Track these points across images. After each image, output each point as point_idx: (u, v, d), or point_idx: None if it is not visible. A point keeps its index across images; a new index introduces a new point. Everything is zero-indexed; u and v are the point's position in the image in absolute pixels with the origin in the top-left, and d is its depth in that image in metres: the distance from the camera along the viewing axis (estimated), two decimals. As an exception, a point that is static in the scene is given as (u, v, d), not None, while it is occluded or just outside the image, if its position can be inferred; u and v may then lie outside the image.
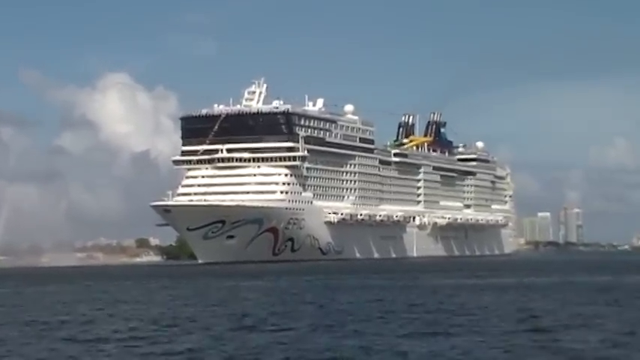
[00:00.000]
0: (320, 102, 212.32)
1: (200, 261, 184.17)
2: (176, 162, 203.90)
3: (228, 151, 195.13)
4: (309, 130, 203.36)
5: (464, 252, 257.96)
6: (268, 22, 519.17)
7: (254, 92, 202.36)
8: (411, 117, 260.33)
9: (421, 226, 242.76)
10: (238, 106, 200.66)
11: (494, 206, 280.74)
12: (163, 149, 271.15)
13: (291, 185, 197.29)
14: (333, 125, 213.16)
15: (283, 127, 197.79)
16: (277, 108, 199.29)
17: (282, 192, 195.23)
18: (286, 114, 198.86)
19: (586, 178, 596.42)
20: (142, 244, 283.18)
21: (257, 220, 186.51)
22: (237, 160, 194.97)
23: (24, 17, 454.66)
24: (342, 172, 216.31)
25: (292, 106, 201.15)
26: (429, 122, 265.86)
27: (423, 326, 44.97)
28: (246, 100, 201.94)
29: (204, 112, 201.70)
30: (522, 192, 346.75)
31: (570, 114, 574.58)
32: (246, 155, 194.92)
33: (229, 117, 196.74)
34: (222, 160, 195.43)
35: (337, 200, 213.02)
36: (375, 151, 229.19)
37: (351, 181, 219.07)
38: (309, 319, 49.40)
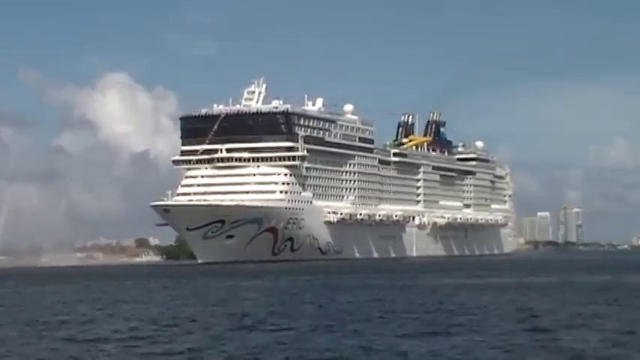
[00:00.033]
0: (319, 102, 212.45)
1: (200, 261, 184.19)
2: (176, 162, 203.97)
3: (228, 150, 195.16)
4: (309, 130, 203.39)
5: (463, 252, 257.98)
6: (268, 21, 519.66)
7: (253, 92, 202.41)
8: (410, 117, 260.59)
9: (421, 226, 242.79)
10: (238, 106, 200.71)
11: (493, 206, 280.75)
12: (163, 149, 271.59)
13: (290, 185, 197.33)
14: (333, 125, 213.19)
15: (283, 126, 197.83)
16: (277, 108, 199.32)
17: (281, 192, 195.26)
18: (286, 114, 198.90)
19: (586, 177, 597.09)
20: (142, 244, 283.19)
21: (256, 219, 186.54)
22: (236, 159, 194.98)
23: (23, 17, 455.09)
24: (342, 172, 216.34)
25: (292, 105, 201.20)
26: (428, 122, 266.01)
27: (423, 326, 44.99)
28: (246, 99, 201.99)
29: (203, 112, 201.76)
30: (522, 192, 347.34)
31: (570, 114, 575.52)
32: (245, 155, 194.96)
33: (229, 117, 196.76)
34: (222, 159, 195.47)
35: (337, 200, 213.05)
36: (375, 151, 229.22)
37: (350, 180, 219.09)
38: (308, 319, 49.41)
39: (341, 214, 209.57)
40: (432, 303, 60.40)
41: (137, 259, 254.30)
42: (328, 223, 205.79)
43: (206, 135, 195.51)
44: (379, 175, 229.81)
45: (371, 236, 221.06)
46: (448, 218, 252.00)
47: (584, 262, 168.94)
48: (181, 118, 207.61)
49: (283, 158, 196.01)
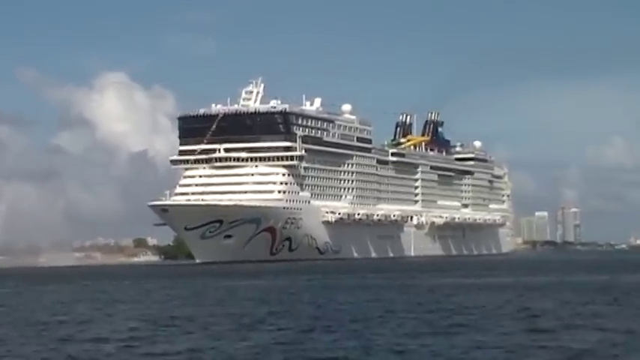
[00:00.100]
0: (317, 101, 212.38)
1: (198, 261, 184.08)
2: (174, 161, 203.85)
3: (226, 150, 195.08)
4: (307, 130, 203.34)
5: (461, 251, 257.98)
6: (265, 21, 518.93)
7: (251, 92, 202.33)
8: (408, 116, 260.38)
9: (419, 226, 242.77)
10: (236, 106, 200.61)
11: (491, 205, 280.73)
12: (161, 149, 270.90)
13: (288, 185, 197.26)
14: (331, 125, 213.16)
15: (281, 126, 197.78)
16: (275, 107, 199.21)
17: (279, 191, 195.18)
18: (284, 113, 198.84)
19: (584, 177, 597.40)
20: (140, 243, 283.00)
21: (255, 219, 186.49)
22: (234, 159, 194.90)
23: (21, 15, 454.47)
24: (340, 172, 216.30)
25: (290, 105, 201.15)
26: (426, 121, 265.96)
27: (422, 326, 44.99)
28: (244, 99, 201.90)
29: (201, 111, 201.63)
30: (520, 191, 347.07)
31: (568, 113, 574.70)
32: (243, 155, 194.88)
33: (227, 116, 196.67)
34: (220, 159, 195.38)
35: (335, 200, 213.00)
36: (373, 151, 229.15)
37: (348, 180, 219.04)
38: (307, 319, 49.41)
39: (339, 213, 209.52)
40: (430, 303, 60.41)
41: (135, 259, 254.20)
42: (326, 222, 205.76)
43: (204, 135, 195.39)
44: (377, 174, 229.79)
45: (369, 236, 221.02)
46: (446, 218, 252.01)
47: (582, 262, 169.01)
48: (179, 118, 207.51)
49: (281, 158, 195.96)
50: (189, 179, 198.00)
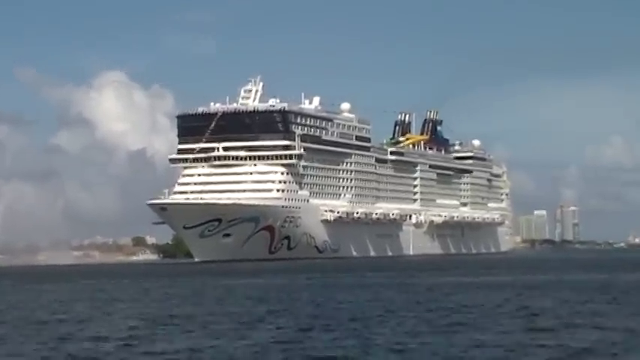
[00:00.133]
0: (316, 100, 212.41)
1: (196, 259, 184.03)
2: (172, 160, 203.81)
3: (225, 149, 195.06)
4: (306, 129, 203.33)
5: (460, 250, 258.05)
6: (264, 20, 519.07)
7: (250, 90, 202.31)
8: (407, 115, 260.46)
9: (417, 225, 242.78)
10: (235, 105, 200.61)
11: (490, 204, 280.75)
12: (160, 147, 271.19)
13: (287, 183, 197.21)
14: (330, 123, 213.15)
15: (279, 125, 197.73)
16: (273, 106, 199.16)
17: (278, 190, 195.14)
18: (282, 112, 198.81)
19: (582, 176, 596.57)
20: (139, 242, 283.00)
21: (253, 218, 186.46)
22: (233, 158, 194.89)
23: (20, 15, 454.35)
24: (339, 171, 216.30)
25: (288, 104, 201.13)
26: (425, 120, 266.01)
27: (421, 324, 44.98)
28: (243, 98, 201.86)
29: (200, 110, 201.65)
30: (519, 190, 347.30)
31: (567, 112, 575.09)
32: (242, 153, 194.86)
33: (225, 115, 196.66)
34: (219, 158, 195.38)
35: (333, 198, 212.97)
36: (372, 150, 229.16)
37: (347, 179, 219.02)
38: (306, 318, 49.39)
39: (338, 212, 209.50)
40: (429, 301, 60.40)
41: (134, 258, 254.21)
42: (325, 221, 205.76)
43: (203, 133, 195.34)
44: (376, 173, 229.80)
45: (368, 235, 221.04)
46: (445, 217, 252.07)
47: (581, 261, 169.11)
48: (178, 117, 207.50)
49: (280, 157, 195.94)
50: (187, 178, 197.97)
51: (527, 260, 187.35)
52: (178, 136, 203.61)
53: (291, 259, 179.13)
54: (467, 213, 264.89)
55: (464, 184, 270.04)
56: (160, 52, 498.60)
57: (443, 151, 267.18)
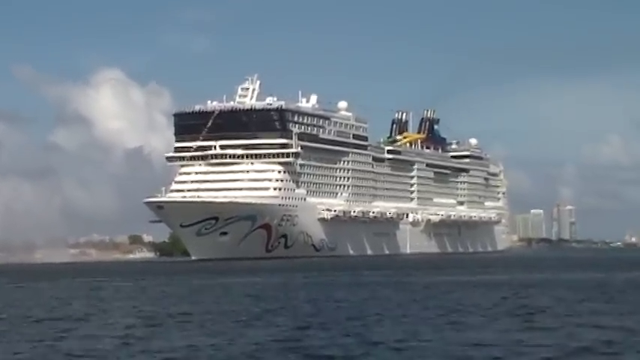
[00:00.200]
0: (313, 98, 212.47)
1: (193, 257, 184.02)
2: (169, 158, 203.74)
3: (222, 147, 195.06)
4: (303, 127, 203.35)
5: (457, 249, 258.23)
6: (262, 18, 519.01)
7: (247, 89, 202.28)
8: (404, 114, 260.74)
9: (414, 223, 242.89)
10: (232, 103, 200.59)
11: (487, 203, 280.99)
12: (157, 145, 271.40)
13: (284, 182, 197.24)
14: (327, 122, 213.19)
15: (277, 123, 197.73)
16: (271, 104, 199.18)
17: (275, 188, 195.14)
18: (280, 110, 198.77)
19: (579, 175, 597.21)
20: (135, 240, 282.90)
21: (250, 216, 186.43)
22: (230, 156, 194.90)
23: (17, 13, 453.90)
24: (336, 169, 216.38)
25: (286, 102, 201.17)
26: (422, 119, 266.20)
27: (418, 323, 44.96)
28: (240, 96, 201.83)
29: (197, 108, 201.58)
30: (515, 189, 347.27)
31: (563, 111, 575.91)
32: (239, 152, 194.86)
33: (223, 113, 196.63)
34: (216, 156, 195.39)
35: (330, 197, 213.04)
36: (369, 148, 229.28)
37: (344, 177, 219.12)
38: (303, 316, 49.36)
39: (335, 210, 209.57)
40: (426, 300, 60.39)
41: (130, 256, 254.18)
42: (322, 220, 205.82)
43: (200, 132, 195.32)
44: (373, 172, 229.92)
45: (365, 233, 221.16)
46: (442, 215, 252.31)
47: (578, 260, 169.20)
48: (175, 115, 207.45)
49: (277, 155, 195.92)
50: (184, 176, 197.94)
51: (524, 259, 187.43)
52: (175, 134, 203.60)
53: (288, 258, 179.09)
54: (464, 212, 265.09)
55: (461, 182, 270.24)
56: (158, 50, 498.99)
57: (440, 150, 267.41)
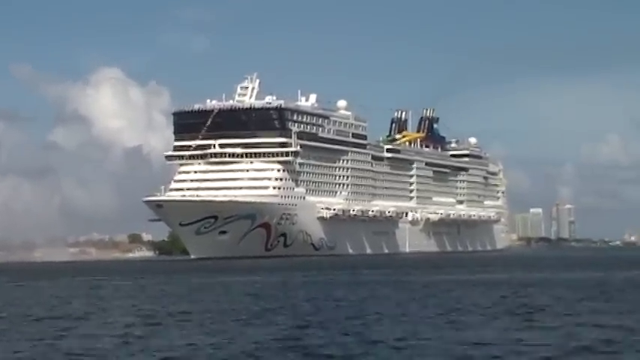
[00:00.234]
0: (313, 97, 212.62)
1: (192, 256, 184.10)
2: (168, 157, 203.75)
3: (221, 146, 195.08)
4: (302, 126, 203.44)
5: (456, 248, 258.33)
6: (261, 17, 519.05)
7: (247, 87, 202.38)
8: (403, 112, 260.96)
9: (414, 222, 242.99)
10: (231, 102, 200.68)
11: (486, 202, 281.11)
12: (156, 144, 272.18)
13: (283, 181, 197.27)
14: (326, 121, 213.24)
15: (276, 122, 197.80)
16: (270, 103, 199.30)
17: (274, 187, 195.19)
18: (279, 109, 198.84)
19: (578, 174, 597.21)
20: (135, 239, 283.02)
21: (250, 215, 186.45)
22: (229, 155, 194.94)
23: (17, 12, 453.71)
24: (335, 168, 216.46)
25: (285, 101, 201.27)
26: (421, 118, 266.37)
27: (418, 322, 44.98)
28: (239, 95, 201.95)
29: (196, 107, 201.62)
30: (515, 188, 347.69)
31: (563, 110, 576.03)
32: (238, 150, 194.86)
33: (222, 112, 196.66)
34: (215, 155, 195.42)
35: (330, 196, 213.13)
36: (368, 147, 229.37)
37: (343, 176, 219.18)
38: (302, 315, 49.37)
39: (334, 209, 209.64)
40: (426, 299, 60.40)
41: (130, 255, 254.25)
42: (321, 218, 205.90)
43: (199, 130, 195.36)
44: (372, 171, 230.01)
45: (364, 232, 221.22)
46: (441, 214, 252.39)
47: (577, 259, 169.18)
48: (174, 114, 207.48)
49: (276, 154, 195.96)
50: (184, 175, 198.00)
51: (523, 258, 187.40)
52: (174, 133, 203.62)
53: (288, 257, 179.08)
54: (463, 211, 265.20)
55: (460, 181, 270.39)
56: (157, 49, 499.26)
57: (439, 149, 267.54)
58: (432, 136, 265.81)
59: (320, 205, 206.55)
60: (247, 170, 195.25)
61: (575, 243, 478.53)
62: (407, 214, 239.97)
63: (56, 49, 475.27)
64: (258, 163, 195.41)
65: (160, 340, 39.05)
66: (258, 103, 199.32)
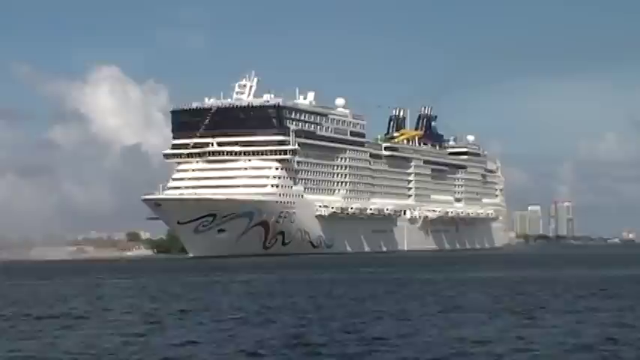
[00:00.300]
0: (311, 95, 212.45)
1: (191, 255, 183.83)
2: (167, 155, 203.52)
3: (219, 144, 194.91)
4: (300, 124, 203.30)
5: (455, 246, 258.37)
6: (259, 15, 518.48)
7: (245, 86, 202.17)
8: (401, 110, 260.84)
9: (412, 220, 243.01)
10: (229, 100, 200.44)
11: (484, 200, 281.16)
12: (154, 143, 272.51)
13: (281, 179, 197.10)
14: (324, 119, 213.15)
15: (274, 120, 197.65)
16: (268, 101, 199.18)
17: (272, 185, 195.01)
18: (277, 107, 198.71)
19: (577, 171, 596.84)
20: (133, 237, 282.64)
21: (248, 213, 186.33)
22: (227, 153, 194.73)
23: (15, 10, 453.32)
24: (333, 166, 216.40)
25: (283, 99, 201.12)
26: (419, 116, 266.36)
27: (418, 320, 44.97)
28: (237, 93, 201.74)
29: (194, 105, 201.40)
30: (513, 185, 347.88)
31: (560, 108, 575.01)
32: (236, 149, 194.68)
33: (220, 110, 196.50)
34: (213, 153, 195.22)
35: (328, 194, 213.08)
36: (366, 145, 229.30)
37: (341, 174, 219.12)
38: (301, 313, 49.35)
39: (332, 208, 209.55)
40: (424, 297, 60.40)
41: (128, 253, 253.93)
42: (319, 217, 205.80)
43: (197, 129, 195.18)
44: (370, 169, 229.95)
45: (362, 230, 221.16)
46: (439, 212, 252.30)
47: (576, 256, 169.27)
48: (172, 112, 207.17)
49: (274, 152, 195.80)
50: (182, 173, 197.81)
51: (522, 256, 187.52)
52: (173, 131, 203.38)
53: (286, 255, 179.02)
54: (461, 208, 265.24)
55: (458, 179, 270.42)
56: (155, 47, 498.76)
57: (437, 147, 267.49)
58: (430, 134, 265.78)
59: (318, 203, 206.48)
60: (245, 168, 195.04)
61: (574, 240, 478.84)
62: (405, 212, 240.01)
63: (54, 48, 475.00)
64: (256, 162, 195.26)
65: (160, 339, 39.03)
66: (256, 102, 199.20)
